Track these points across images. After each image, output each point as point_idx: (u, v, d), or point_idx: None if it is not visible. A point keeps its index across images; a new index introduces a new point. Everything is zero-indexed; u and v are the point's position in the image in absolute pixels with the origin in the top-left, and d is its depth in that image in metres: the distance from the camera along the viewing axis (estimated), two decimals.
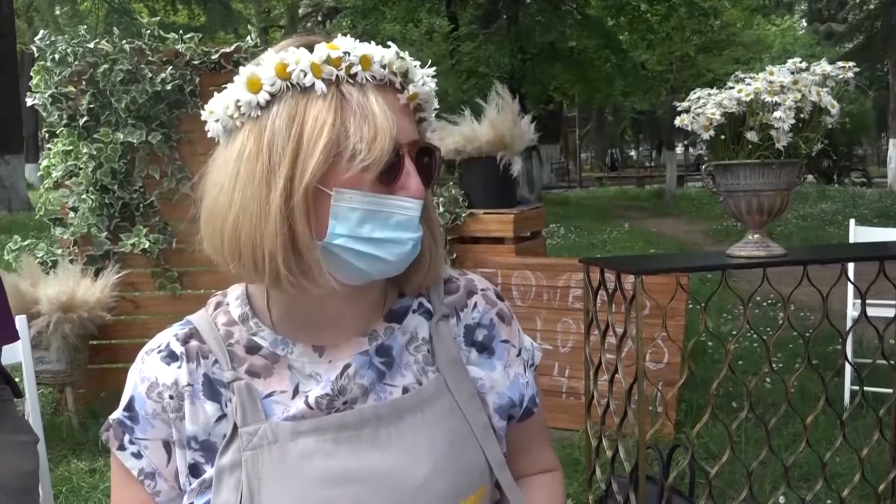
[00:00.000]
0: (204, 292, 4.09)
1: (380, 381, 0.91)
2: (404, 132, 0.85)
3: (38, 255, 3.99)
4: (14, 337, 1.77)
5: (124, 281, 3.97)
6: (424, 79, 0.87)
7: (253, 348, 0.91)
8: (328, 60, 0.82)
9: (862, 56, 18.81)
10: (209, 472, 0.87)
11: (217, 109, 0.86)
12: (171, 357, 0.90)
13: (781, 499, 2.51)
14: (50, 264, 3.96)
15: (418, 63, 0.88)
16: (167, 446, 0.89)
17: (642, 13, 16.74)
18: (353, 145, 0.80)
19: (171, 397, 0.88)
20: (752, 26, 21.60)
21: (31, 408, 2.00)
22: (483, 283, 1.04)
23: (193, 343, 0.91)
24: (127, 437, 0.89)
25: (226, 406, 0.88)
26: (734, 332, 5.06)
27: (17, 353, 1.97)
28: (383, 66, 0.84)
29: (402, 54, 0.86)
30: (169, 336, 0.93)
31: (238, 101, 0.83)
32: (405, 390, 0.92)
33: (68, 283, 3.66)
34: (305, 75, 0.82)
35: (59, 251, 4.01)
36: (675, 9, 16.08)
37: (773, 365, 2.35)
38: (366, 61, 0.83)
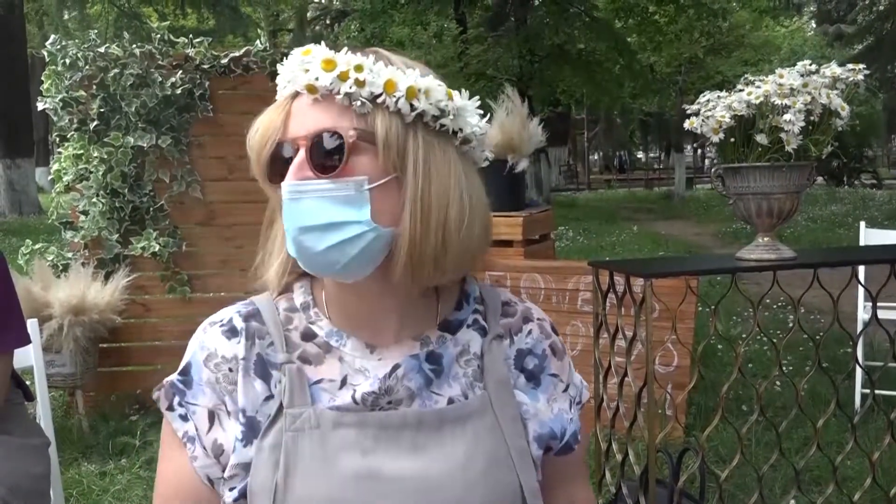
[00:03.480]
0: (213, 295, 4.10)
1: (427, 388, 0.93)
2: (301, 128, 0.87)
3: (49, 259, 4.01)
4: (26, 340, 1.78)
5: (134, 284, 3.99)
6: (316, 67, 0.86)
7: (309, 336, 0.94)
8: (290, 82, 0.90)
9: (872, 58, 18.66)
10: (247, 454, 0.88)
11: None
12: (232, 332, 0.94)
13: (792, 502, 2.50)
14: (61, 268, 3.98)
15: (298, 54, 0.89)
16: (211, 416, 0.91)
17: (650, 15, 16.72)
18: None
19: (229, 370, 0.92)
20: (761, 28, 21.54)
21: (42, 411, 2.01)
22: (540, 314, 1.05)
23: (253, 323, 0.95)
24: (177, 399, 0.93)
25: (274, 387, 0.91)
26: (744, 335, 5.04)
27: (29, 356, 1.98)
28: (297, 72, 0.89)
29: (305, 52, 0.89)
30: (232, 312, 0.96)
31: None
32: (450, 401, 0.93)
33: (79, 287, 3.68)
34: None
35: (70, 255, 4.04)
36: (683, 10, 16.06)
37: (784, 368, 2.34)
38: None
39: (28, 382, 1.86)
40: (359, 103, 0.85)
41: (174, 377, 0.94)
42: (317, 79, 0.86)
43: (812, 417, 2.37)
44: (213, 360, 0.92)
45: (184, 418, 0.92)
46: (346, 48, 0.88)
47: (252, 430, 0.89)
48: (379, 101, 0.86)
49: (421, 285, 0.91)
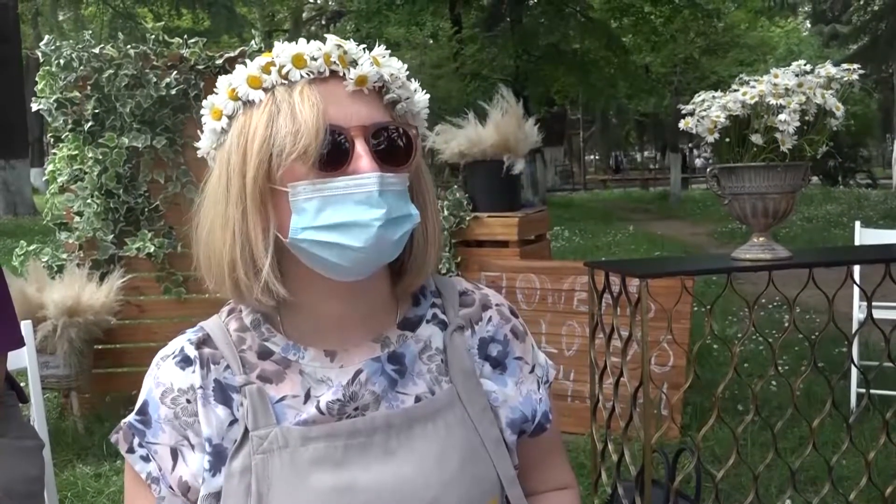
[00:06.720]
0: (209, 296, 4.08)
1: (392, 389, 0.90)
2: (352, 117, 0.84)
3: (44, 260, 4.00)
4: (19, 342, 1.77)
5: (129, 285, 3.98)
6: (369, 61, 0.86)
7: (265, 354, 0.91)
8: (263, 69, 0.87)
9: (867, 57, 18.75)
10: (217, 483, 0.86)
11: (203, 144, 0.93)
12: (186, 361, 0.91)
13: (788, 502, 2.50)
14: (56, 269, 3.97)
15: (362, 47, 0.88)
16: (174, 453, 0.89)
17: (646, 15, 16.74)
18: (281, 141, 0.82)
19: (187, 401, 0.89)
20: (757, 28, 21.59)
21: (36, 413, 2.01)
22: (498, 299, 1.04)
23: (206, 349, 0.92)
24: (136, 441, 0.90)
25: (237, 410, 0.88)
26: (740, 335, 5.04)
27: (23, 358, 1.97)
28: (315, 59, 0.86)
29: (340, 43, 0.87)
30: (183, 341, 0.94)
31: (212, 129, 0.91)
32: (417, 399, 0.91)
33: (74, 288, 3.67)
34: (246, 90, 0.87)
35: (65, 256, 4.02)
36: (678, 10, 16.08)
37: (779, 368, 2.34)
38: (297, 60, 0.86)
39: (22, 384, 1.85)
40: (403, 104, 0.90)
41: (132, 418, 0.91)
42: (377, 73, 0.87)
43: (808, 417, 2.38)
44: (169, 395, 0.90)
45: (146, 459, 0.89)
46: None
47: (220, 458, 0.86)
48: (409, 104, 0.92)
49: (420, 280, 0.95)
